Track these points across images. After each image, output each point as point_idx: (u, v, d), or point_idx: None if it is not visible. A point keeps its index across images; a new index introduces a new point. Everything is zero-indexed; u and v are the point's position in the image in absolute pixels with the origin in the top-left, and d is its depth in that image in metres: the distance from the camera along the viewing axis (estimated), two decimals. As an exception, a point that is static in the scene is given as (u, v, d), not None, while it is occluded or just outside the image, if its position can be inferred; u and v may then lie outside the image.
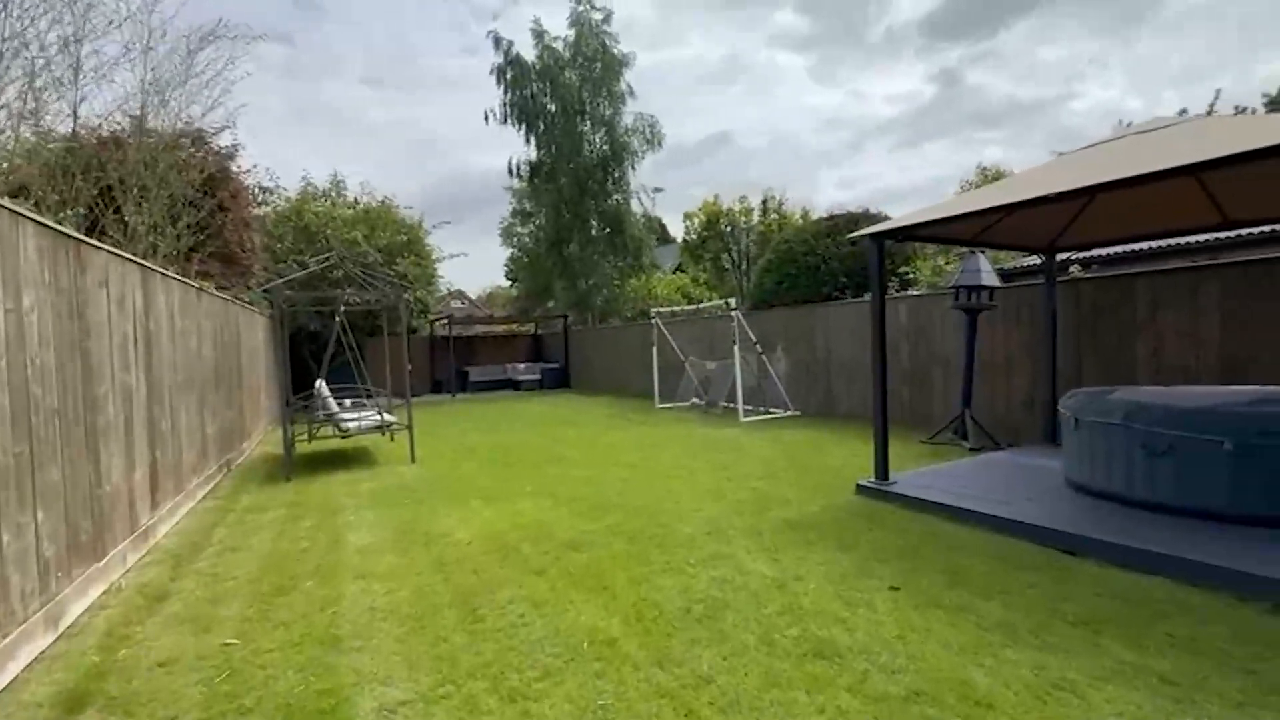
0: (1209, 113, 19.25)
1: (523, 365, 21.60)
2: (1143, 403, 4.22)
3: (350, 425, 7.11)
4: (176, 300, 5.55)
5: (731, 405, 10.80)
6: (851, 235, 6.16)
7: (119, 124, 7.26)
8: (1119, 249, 10.32)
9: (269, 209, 12.90)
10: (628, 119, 20.51)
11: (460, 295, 45.81)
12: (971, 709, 2.25)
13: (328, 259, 7.87)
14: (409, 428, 7.35)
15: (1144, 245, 10.11)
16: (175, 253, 7.22)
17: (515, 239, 25.52)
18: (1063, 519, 4.05)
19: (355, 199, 13.76)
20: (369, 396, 8.99)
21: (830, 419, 9.82)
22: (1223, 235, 9.21)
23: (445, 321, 19.57)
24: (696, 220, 20.68)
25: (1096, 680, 2.40)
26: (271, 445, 9.05)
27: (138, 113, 7.06)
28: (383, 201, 13.96)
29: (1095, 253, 9.69)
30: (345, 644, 2.93)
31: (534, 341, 23.70)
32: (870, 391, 6.45)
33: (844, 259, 11.49)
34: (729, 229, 20.57)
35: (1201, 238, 9.77)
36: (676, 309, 14.68)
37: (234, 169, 8.97)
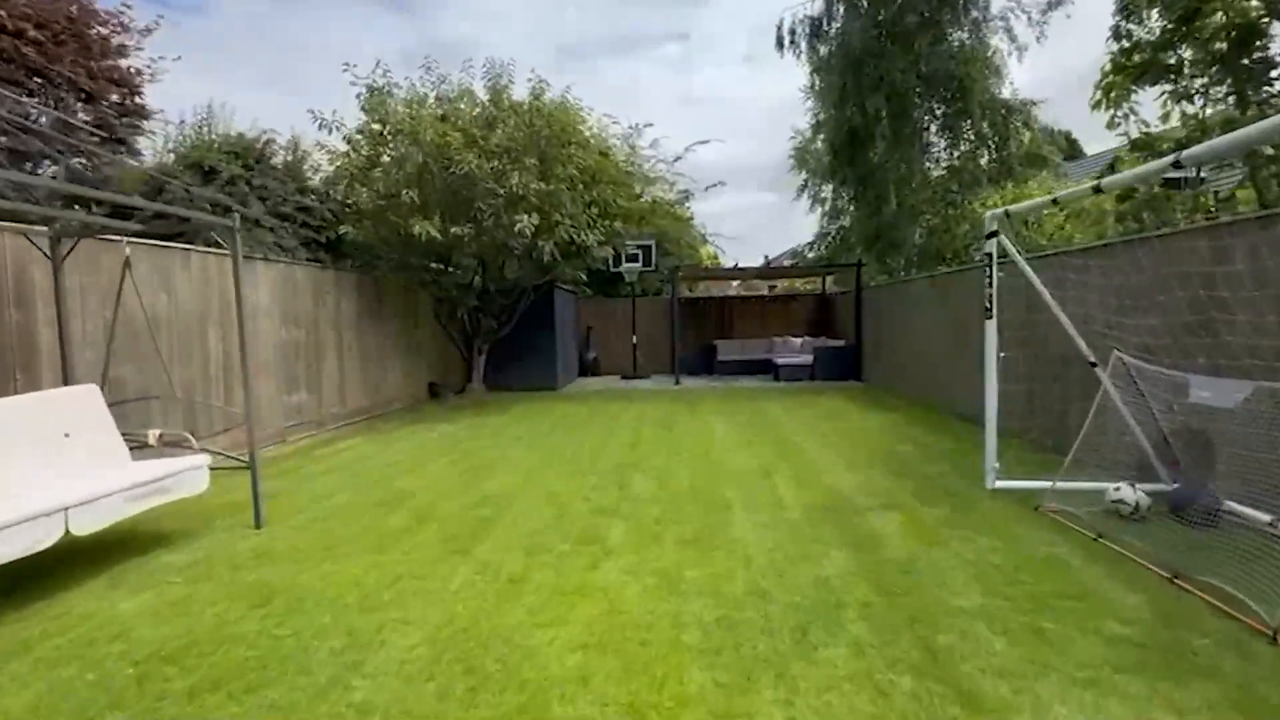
0: None
1: (798, 342, 14.63)
2: None
3: None
4: None
5: (1250, 529, 2.47)
6: None
7: None
8: None
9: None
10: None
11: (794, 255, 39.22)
12: None
13: None
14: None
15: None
16: None
17: (808, 159, 18.09)
18: None
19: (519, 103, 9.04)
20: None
21: None
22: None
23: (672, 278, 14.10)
24: None
25: None
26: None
27: None
28: (534, 91, 8.86)
29: None
30: None
31: (820, 305, 16.30)
32: None
33: None
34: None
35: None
36: (1058, 196, 5.95)
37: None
